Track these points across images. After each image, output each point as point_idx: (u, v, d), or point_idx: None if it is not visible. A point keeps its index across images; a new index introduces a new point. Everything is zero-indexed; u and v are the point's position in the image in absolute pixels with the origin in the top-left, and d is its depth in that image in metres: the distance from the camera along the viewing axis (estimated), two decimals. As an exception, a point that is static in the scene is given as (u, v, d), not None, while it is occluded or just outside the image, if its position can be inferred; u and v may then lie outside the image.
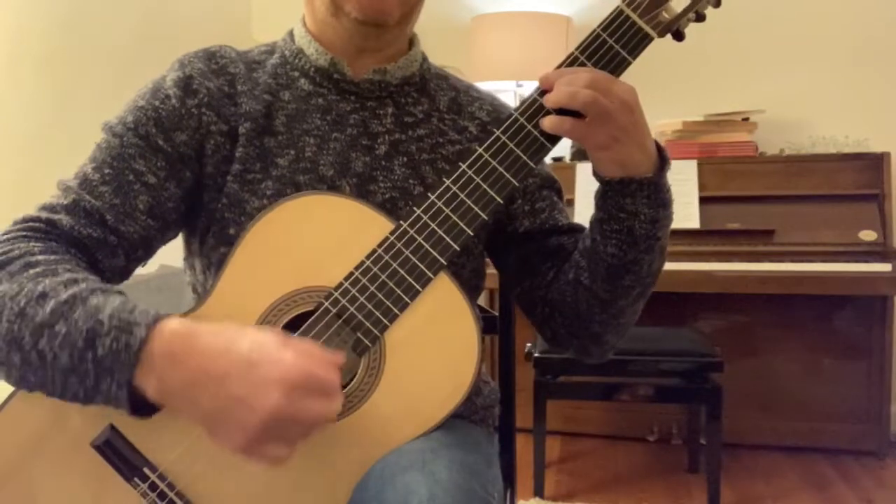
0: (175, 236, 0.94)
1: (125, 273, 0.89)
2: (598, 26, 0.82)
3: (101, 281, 0.79)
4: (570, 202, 2.55)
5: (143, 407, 0.73)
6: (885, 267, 2.30)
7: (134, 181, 0.86)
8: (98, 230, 0.83)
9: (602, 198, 0.87)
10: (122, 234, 0.85)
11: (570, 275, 0.92)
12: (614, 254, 0.86)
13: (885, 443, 2.56)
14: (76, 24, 2.27)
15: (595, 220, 0.89)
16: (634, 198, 0.84)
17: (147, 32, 2.52)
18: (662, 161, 0.86)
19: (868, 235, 2.40)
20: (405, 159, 0.93)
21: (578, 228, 1.00)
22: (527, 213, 0.99)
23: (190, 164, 0.89)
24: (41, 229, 0.81)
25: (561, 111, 0.81)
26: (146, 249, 0.89)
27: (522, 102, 0.84)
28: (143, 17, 2.54)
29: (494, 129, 0.83)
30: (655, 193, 0.85)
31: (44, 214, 0.83)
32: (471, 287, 0.97)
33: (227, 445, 0.71)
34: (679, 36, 0.85)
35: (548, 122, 0.81)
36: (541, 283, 0.97)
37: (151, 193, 0.87)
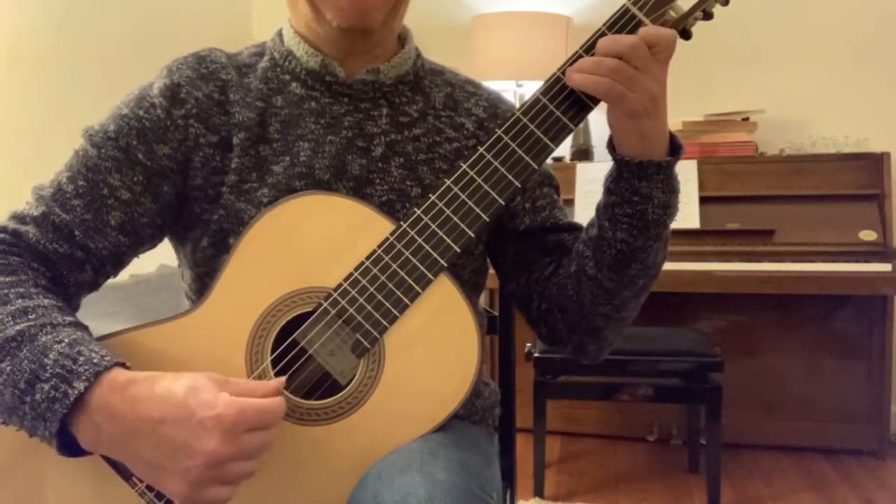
0: (150, 248, 0.92)
1: (94, 286, 0.88)
2: (604, 24, 0.81)
3: (61, 300, 0.79)
4: (570, 202, 2.55)
5: (80, 451, 0.72)
6: (885, 267, 2.30)
7: (107, 196, 0.85)
8: (65, 245, 0.83)
9: (616, 180, 0.86)
10: (90, 250, 0.84)
11: (572, 267, 0.92)
12: (624, 239, 0.86)
13: (885, 443, 2.56)
14: (76, 24, 2.26)
15: (605, 206, 0.88)
16: (650, 181, 0.84)
17: (147, 32, 2.52)
18: (674, 148, 0.86)
19: (868, 235, 2.40)
20: (402, 160, 0.92)
21: (577, 227, 0.99)
22: (528, 211, 0.98)
23: (171, 178, 0.88)
24: (6, 241, 0.81)
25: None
26: (115, 264, 0.88)
27: (524, 103, 0.83)
28: (143, 17, 2.53)
29: (493, 127, 0.82)
30: (668, 179, 0.84)
31: (11, 225, 0.83)
32: (472, 286, 0.97)
33: (170, 493, 0.71)
34: (686, 35, 0.84)
35: (579, 79, 0.80)
36: (538, 278, 0.97)
37: (124, 209, 0.86)
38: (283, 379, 0.76)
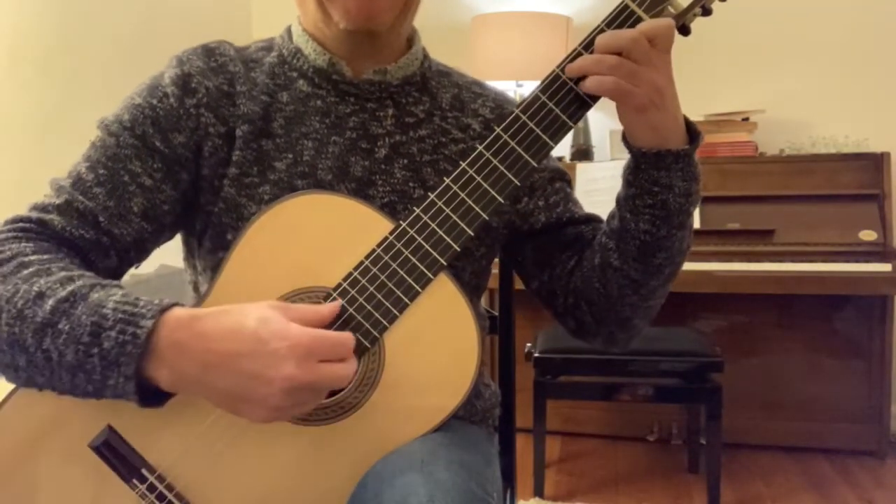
0: (170, 238, 0.93)
1: (117, 274, 0.88)
2: (603, 22, 0.81)
3: (97, 276, 0.78)
4: (570, 202, 2.55)
5: (153, 397, 0.73)
6: (885, 267, 2.30)
7: (129, 182, 0.85)
8: (90, 231, 0.83)
9: (634, 172, 0.85)
10: (114, 236, 0.84)
11: (595, 259, 0.91)
12: (647, 230, 0.85)
13: (885, 443, 2.56)
14: (76, 23, 2.26)
15: (625, 198, 0.87)
16: (669, 170, 0.83)
17: (147, 31, 2.52)
18: (692, 134, 0.85)
19: (868, 235, 2.40)
20: (406, 161, 0.92)
21: (595, 218, 0.99)
22: (542, 209, 0.98)
23: (187, 166, 0.88)
24: (32, 230, 0.81)
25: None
26: (139, 251, 0.88)
27: (523, 101, 0.83)
28: (143, 17, 2.53)
29: (496, 127, 0.82)
30: (688, 166, 0.84)
31: (35, 214, 0.82)
32: (472, 287, 0.97)
33: (250, 418, 0.72)
34: (685, 31, 0.83)
35: (591, 82, 0.79)
36: (561, 272, 0.96)
37: (146, 195, 0.86)
38: (338, 304, 0.77)
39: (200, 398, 0.74)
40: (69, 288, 0.73)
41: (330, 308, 0.76)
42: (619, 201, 0.89)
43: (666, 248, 0.87)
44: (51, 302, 0.72)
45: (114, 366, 0.70)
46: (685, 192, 0.84)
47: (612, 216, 0.90)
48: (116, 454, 0.76)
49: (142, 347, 0.69)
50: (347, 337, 0.74)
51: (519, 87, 2.86)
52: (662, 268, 0.89)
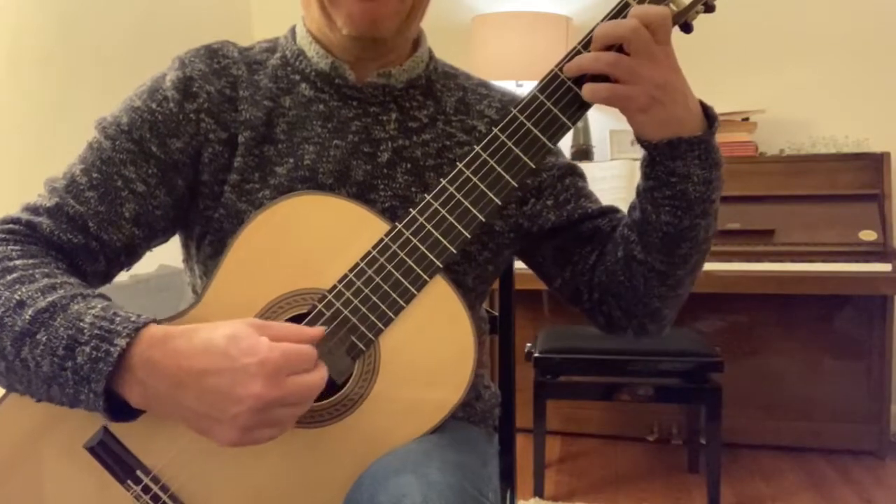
0: (163, 241, 0.92)
1: (106, 277, 0.87)
2: (603, 19, 0.80)
3: (82, 283, 0.78)
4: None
5: (125, 413, 0.72)
6: (885, 267, 2.29)
7: (122, 188, 0.84)
8: (79, 236, 0.82)
9: (650, 164, 0.83)
10: (104, 241, 0.84)
11: (618, 252, 0.90)
12: (669, 222, 0.83)
13: (885, 443, 2.56)
14: (76, 23, 2.26)
15: (644, 190, 0.85)
16: (685, 159, 0.81)
17: (147, 32, 2.52)
18: (709, 120, 0.83)
19: (868, 235, 2.40)
20: (409, 166, 0.91)
21: (611, 210, 0.97)
22: (551, 208, 0.95)
23: (183, 172, 0.87)
24: (20, 232, 0.80)
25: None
26: (129, 256, 0.88)
27: (521, 101, 0.82)
28: (142, 17, 2.53)
29: (494, 128, 0.81)
30: (706, 153, 0.81)
31: (24, 216, 0.82)
32: (476, 294, 0.95)
33: (220, 440, 0.70)
34: (687, 28, 0.82)
35: (586, 91, 0.78)
36: (583, 269, 0.95)
37: (139, 202, 0.85)
38: (322, 328, 0.76)
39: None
40: (50, 298, 0.72)
41: (318, 331, 0.75)
42: (639, 193, 0.87)
43: (690, 238, 0.85)
44: (30, 311, 0.72)
45: (85, 381, 0.69)
46: (705, 181, 0.82)
47: (632, 207, 0.88)
48: (111, 455, 0.76)
49: (113, 365, 0.69)
50: (310, 348, 0.72)
51: (519, 87, 2.86)
52: (688, 257, 0.87)
